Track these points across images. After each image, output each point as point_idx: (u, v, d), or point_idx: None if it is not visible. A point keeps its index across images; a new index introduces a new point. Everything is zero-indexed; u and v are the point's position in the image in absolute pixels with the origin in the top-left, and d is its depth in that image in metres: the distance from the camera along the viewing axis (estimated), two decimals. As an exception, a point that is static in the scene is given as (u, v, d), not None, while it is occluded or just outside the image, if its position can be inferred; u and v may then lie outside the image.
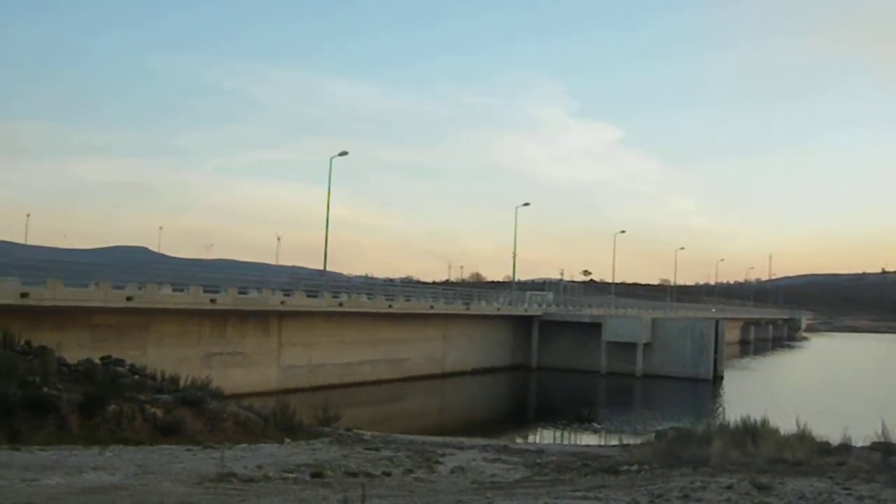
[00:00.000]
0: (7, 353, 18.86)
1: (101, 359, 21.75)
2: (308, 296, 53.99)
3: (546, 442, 34.75)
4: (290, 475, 13.96)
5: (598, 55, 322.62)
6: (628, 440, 30.30)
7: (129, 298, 40.23)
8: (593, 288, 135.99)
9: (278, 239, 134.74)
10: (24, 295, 35.23)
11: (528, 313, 78.07)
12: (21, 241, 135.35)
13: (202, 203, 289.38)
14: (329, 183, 62.40)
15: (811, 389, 65.63)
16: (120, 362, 21.97)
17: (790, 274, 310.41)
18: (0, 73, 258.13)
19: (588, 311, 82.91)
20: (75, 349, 28.10)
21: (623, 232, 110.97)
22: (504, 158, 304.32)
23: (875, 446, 20.89)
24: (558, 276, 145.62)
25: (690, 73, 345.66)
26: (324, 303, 54.02)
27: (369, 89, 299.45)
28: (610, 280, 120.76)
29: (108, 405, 17.07)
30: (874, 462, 18.30)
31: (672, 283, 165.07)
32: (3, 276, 36.22)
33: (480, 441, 24.77)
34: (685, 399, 61.22)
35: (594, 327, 74.15)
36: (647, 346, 72.03)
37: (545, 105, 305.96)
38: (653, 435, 26.83)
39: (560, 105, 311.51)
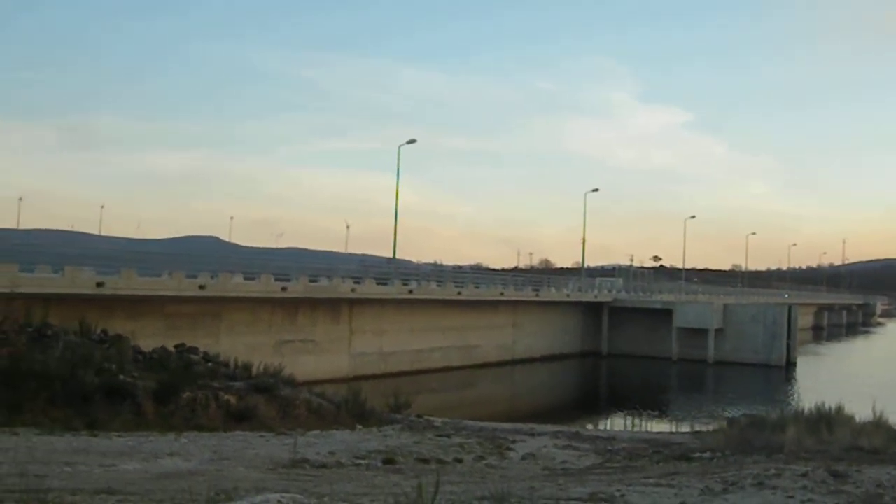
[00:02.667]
0: (84, 341, 19.25)
1: (175, 347, 22.11)
2: (378, 283, 54.30)
3: (617, 429, 34.57)
4: (363, 461, 14.06)
5: (665, 44, 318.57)
6: (700, 427, 30.03)
7: (201, 287, 40.79)
8: (663, 274, 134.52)
9: (347, 227, 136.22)
10: (99, 284, 35.92)
11: (597, 300, 77.63)
12: (95, 231, 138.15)
13: (272, 192, 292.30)
14: (398, 171, 62.57)
15: (887, 376, 64.36)
16: (193, 350, 22.32)
17: (864, 258, 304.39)
18: (70, 67, 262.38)
19: (658, 297, 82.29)
20: (150, 337, 28.53)
21: (693, 217, 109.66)
22: (572, 144, 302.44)
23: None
24: (628, 262, 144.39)
25: (758, 62, 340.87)
26: (394, 290, 54.27)
27: (438, 77, 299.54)
28: (680, 266, 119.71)
29: (183, 392, 17.36)
30: (955, 450, 17.96)
31: (743, 269, 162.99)
32: (80, 266, 36.96)
33: (551, 428, 24.71)
34: (757, 385, 60.57)
35: (665, 313, 73.56)
36: (718, 332, 71.24)
37: (613, 90, 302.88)
38: (725, 422, 26.55)
39: (628, 89, 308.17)
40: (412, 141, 62.88)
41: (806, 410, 23.17)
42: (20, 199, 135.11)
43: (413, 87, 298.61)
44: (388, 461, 14.17)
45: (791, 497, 11.36)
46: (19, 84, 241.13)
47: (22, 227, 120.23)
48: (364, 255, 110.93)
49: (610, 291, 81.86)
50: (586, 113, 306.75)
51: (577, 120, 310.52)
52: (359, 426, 19.84)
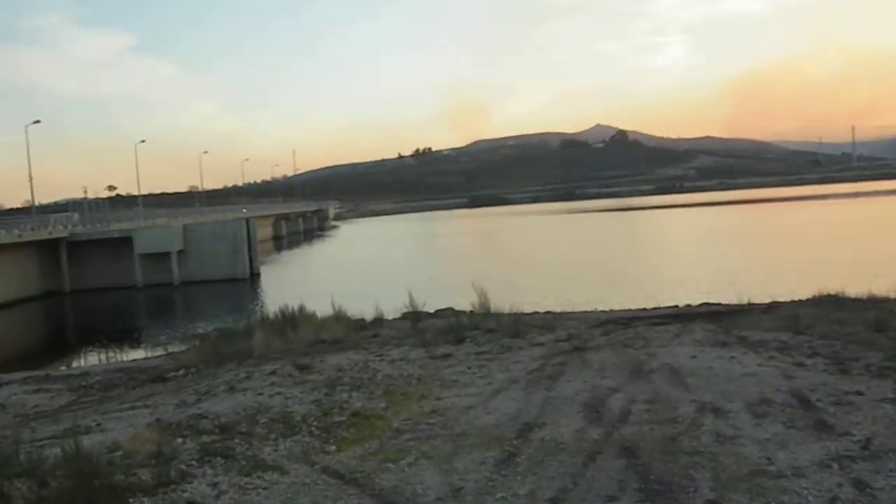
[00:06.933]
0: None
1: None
2: None
3: (91, 364, 33.79)
4: None
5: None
6: (174, 348, 30.14)
7: None
8: (121, 203, 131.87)
9: None
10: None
11: (53, 236, 74.26)
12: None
13: None
14: None
15: (345, 274, 68.66)
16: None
17: (314, 167, 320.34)
18: None
19: (117, 226, 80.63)
20: None
21: (143, 142, 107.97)
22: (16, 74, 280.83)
23: (405, 316, 22.75)
24: (82, 195, 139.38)
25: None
26: None
27: None
28: (137, 193, 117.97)
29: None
30: (405, 330, 19.91)
31: (200, 188, 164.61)
32: None
33: (20, 375, 23.59)
34: (226, 300, 61.73)
35: (126, 241, 72.15)
36: (181, 253, 71.35)
37: (45, 15, 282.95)
38: (196, 339, 26.99)
39: (67, 13, 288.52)
40: None
41: (271, 315, 24.27)
42: None
43: None
44: None
45: (260, 394, 11.93)
46: None
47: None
48: None
49: (65, 227, 78.73)
50: (19, 40, 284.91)
51: (9, 48, 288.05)
52: None
